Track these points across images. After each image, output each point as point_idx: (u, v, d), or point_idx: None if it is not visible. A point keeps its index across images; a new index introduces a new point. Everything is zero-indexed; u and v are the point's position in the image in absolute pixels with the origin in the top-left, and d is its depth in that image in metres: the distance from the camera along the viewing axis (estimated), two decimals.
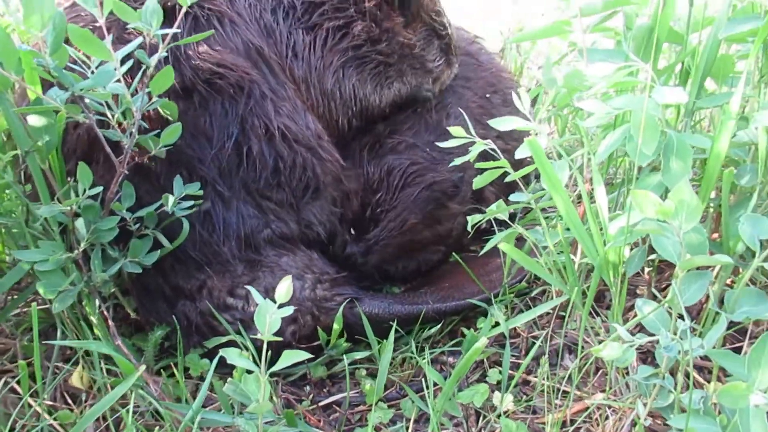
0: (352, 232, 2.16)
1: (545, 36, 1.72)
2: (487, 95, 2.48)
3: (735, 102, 1.36)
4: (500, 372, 1.83)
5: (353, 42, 2.14)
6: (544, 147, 1.55)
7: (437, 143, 2.04)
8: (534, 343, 1.90)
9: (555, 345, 1.88)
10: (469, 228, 1.88)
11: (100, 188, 1.47)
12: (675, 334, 1.24)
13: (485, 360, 1.93)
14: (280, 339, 1.30)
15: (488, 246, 1.88)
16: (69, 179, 1.55)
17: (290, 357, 1.30)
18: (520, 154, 1.56)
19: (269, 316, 1.29)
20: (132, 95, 1.40)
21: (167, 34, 1.36)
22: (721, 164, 1.45)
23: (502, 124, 1.63)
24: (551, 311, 1.92)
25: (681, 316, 1.23)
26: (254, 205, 1.82)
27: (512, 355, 1.93)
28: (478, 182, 1.85)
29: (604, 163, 1.91)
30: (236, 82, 1.77)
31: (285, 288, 1.28)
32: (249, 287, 1.40)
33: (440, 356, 2.01)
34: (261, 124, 1.81)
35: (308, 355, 1.29)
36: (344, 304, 1.93)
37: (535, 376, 1.83)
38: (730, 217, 1.57)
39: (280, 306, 1.28)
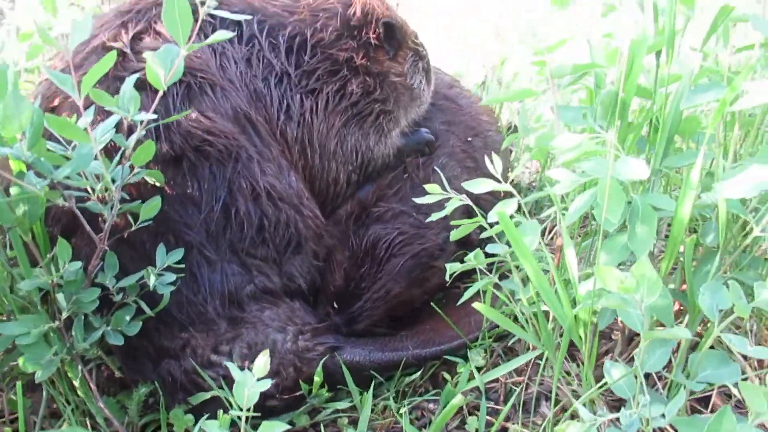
0: (335, 305, 2.18)
1: (518, 98, 1.76)
2: (469, 138, 2.53)
3: (695, 173, 1.41)
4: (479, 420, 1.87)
5: (351, 100, 2.23)
6: (515, 209, 1.60)
7: (425, 206, 2.07)
8: (512, 390, 1.96)
9: (531, 393, 1.92)
10: (447, 278, 1.92)
11: (80, 263, 1.50)
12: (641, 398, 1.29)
13: (464, 407, 1.97)
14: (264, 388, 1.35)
15: (466, 296, 1.93)
16: (53, 249, 1.57)
17: (270, 428, 1.34)
18: (491, 219, 1.60)
19: (248, 390, 1.33)
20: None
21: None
22: (684, 229, 1.50)
23: (476, 186, 1.67)
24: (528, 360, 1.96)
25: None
26: (239, 263, 1.86)
27: (491, 401, 1.98)
28: (455, 235, 1.89)
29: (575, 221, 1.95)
30: (225, 147, 1.83)
31: (263, 362, 1.32)
32: (228, 363, 1.44)
33: (421, 403, 2.04)
34: (248, 185, 1.87)
35: (287, 427, 1.33)
36: (325, 353, 1.97)
37: (514, 423, 1.88)
38: (697, 273, 1.63)
39: (260, 379, 1.32)
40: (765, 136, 1.80)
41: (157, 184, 1.65)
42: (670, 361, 1.61)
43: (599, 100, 1.62)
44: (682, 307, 1.78)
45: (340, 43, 2.23)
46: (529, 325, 1.81)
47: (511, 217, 1.60)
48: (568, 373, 1.85)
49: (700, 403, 1.71)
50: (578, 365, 1.88)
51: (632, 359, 1.75)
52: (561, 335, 1.69)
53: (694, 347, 1.61)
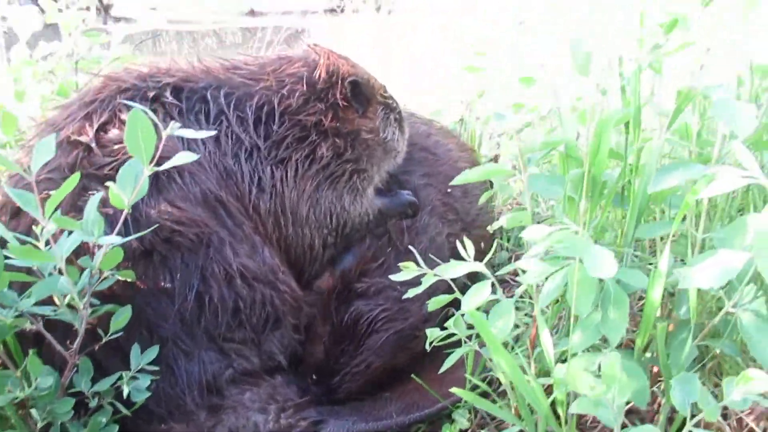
0: (314, 377, 2.15)
1: (491, 176, 1.76)
2: (449, 190, 2.51)
3: (663, 264, 1.42)
4: None
5: (322, 163, 2.21)
6: (487, 295, 1.60)
7: None
8: None
9: None
10: (427, 346, 1.92)
11: (52, 379, 1.49)
12: None
13: None
14: None
15: (447, 364, 1.92)
16: (25, 357, 1.56)
17: None
18: (465, 307, 1.60)
19: None
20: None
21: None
22: (656, 310, 1.51)
23: (449, 271, 1.66)
24: None
25: None
26: (216, 349, 1.85)
27: None
28: (432, 306, 1.88)
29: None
30: (195, 235, 1.82)
31: None
32: None
33: None
34: (220, 269, 1.85)
35: None
36: (309, 429, 1.97)
37: None
38: (672, 342, 1.64)
39: None
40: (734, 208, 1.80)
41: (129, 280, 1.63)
42: None
43: (569, 177, 1.62)
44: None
45: (308, 107, 2.22)
46: (510, 398, 1.81)
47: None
48: None
49: None
50: None
51: None
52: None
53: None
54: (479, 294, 1.60)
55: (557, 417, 1.60)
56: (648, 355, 1.77)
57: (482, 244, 2.64)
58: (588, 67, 1.50)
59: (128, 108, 1.84)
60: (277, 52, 2.43)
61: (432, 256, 2.25)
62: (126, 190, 1.33)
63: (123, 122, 1.88)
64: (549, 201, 2.45)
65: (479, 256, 2.14)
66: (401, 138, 2.54)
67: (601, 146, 1.56)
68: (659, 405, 1.79)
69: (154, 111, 1.91)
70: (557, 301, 1.87)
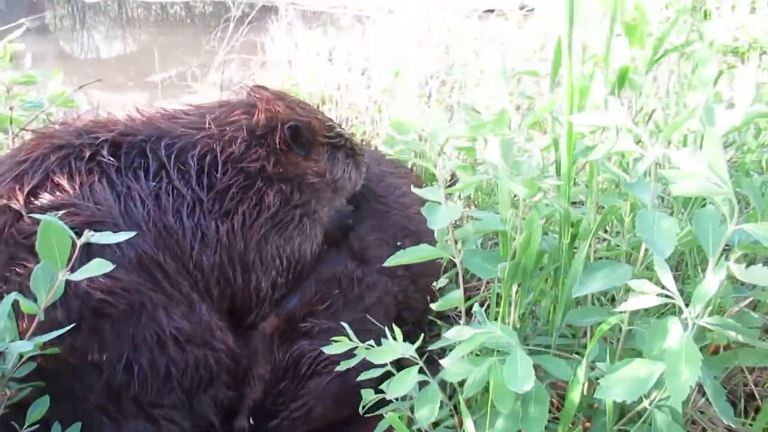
0: (251, 421, 2.11)
1: (421, 260, 1.77)
2: (399, 243, 2.47)
3: (581, 374, 1.45)
4: None
5: (270, 211, 2.18)
6: (414, 382, 1.62)
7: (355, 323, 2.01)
8: None
9: None
10: (360, 410, 1.93)
11: None
12: None
13: None
14: None
15: (379, 429, 1.94)
16: None
17: None
18: (392, 394, 1.62)
19: None
20: None
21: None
22: (574, 410, 1.54)
23: (379, 356, 1.68)
24: None
25: None
26: (145, 417, 1.83)
27: None
28: (362, 377, 1.89)
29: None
30: (127, 303, 1.78)
31: None
32: None
33: None
34: (152, 336, 1.82)
35: None
36: None
37: None
38: (593, 424, 1.68)
39: None
40: None
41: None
42: None
43: (501, 268, 1.64)
44: None
45: (250, 153, 2.17)
46: None
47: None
48: None
49: None
50: None
51: None
52: None
53: None
54: (406, 382, 1.62)
55: None
56: None
57: (429, 296, 2.67)
58: (519, 169, 1.51)
59: (62, 170, 1.82)
60: (218, 100, 2.39)
61: (376, 315, 2.26)
62: (40, 294, 1.30)
63: (56, 185, 1.82)
64: None
65: (425, 306, 2.12)
66: (355, 172, 2.51)
67: (531, 242, 1.58)
68: None
69: (90, 171, 1.87)
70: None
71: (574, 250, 1.71)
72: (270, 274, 2.22)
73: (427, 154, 1.75)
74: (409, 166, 3.34)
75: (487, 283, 2.70)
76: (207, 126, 2.16)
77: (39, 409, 1.53)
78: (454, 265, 1.77)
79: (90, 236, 1.31)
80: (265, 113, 2.25)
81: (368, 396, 1.93)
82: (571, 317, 1.74)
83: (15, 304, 1.39)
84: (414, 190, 1.76)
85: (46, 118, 2.76)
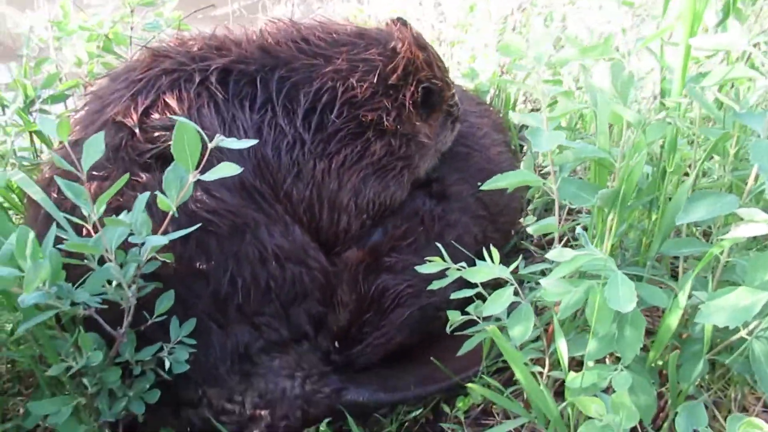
0: (336, 345, 2.23)
1: (519, 184, 1.78)
2: (479, 183, 2.50)
3: (682, 298, 1.47)
4: None
5: (373, 158, 2.19)
6: (510, 300, 1.67)
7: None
8: None
9: None
10: (447, 330, 2.02)
11: (101, 354, 1.63)
12: None
13: None
14: None
15: (465, 348, 2.02)
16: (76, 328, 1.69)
17: None
18: (487, 312, 1.68)
19: None
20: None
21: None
22: (671, 335, 1.57)
23: (474, 274, 1.73)
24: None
25: None
26: (248, 324, 1.97)
27: None
28: (455, 296, 1.96)
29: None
30: (231, 222, 1.89)
31: None
32: None
33: None
34: (255, 252, 1.93)
35: None
36: (331, 395, 2.12)
37: None
38: (684, 354, 1.70)
39: None
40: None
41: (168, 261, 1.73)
42: None
43: (599, 195, 1.64)
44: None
45: (373, 101, 2.15)
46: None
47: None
48: None
49: None
50: None
51: None
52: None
53: None
54: (501, 300, 1.68)
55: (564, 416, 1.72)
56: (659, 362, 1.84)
57: (506, 237, 2.70)
58: (627, 96, 1.49)
59: (172, 91, 1.90)
60: (355, 28, 2.28)
61: (458, 246, 2.31)
62: (171, 194, 1.40)
63: (167, 105, 1.91)
64: None
65: (503, 244, 2.18)
66: (451, 137, 2.52)
67: (635, 170, 1.58)
68: (665, 402, 1.88)
69: (199, 95, 1.95)
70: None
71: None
72: (361, 218, 2.27)
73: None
74: (488, 100, 3.33)
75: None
76: (336, 58, 2.13)
77: (165, 302, 1.66)
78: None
79: (220, 140, 1.38)
80: (404, 64, 2.19)
81: (454, 317, 2.02)
82: (666, 248, 1.75)
83: None
84: (512, 115, 1.76)
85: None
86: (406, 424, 2.25)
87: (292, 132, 2.04)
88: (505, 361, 2.26)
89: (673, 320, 1.53)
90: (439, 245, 1.93)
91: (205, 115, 1.94)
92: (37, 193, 1.37)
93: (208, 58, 2.03)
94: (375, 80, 2.14)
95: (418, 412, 2.24)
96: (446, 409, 2.24)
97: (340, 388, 2.16)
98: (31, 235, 1.25)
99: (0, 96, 2.41)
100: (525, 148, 3.18)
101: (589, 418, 1.43)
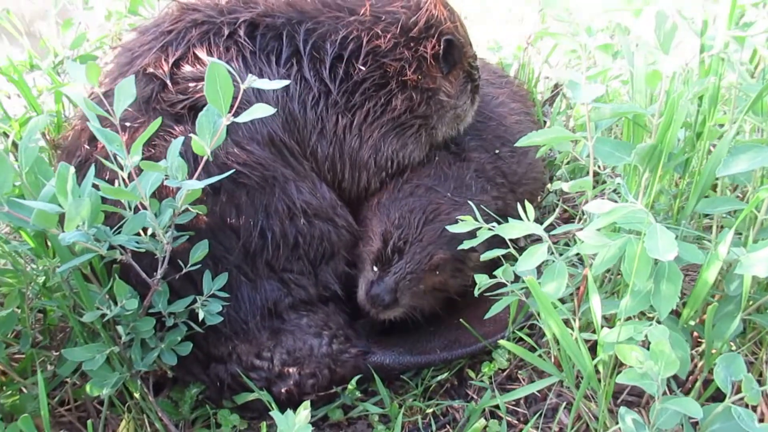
0: (375, 268, 2.18)
1: (552, 144, 1.77)
2: (497, 150, 2.50)
3: (723, 249, 1.45)
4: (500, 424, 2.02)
5: (393, 114, 2.19)
6: (543, 257, 1.66)
7: (457, 190, 2.21)
8: (535, 395, 2.09)
9: (551, 403, 2.05)
10: (476, 292, 2.00)
11: (136, 301, 1.63)
12: None
13: (486, 409, 2.11)
14: None
15: (493, 311, 2.01)
16: (110, 277, 1.70)
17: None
18: (521, 267, 1.66)
19: None
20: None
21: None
22: (708, 290, 1.55)
23: (507, 231, 1.72)
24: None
25: None
26: (277, 279, 1.99)
27: (513, 402, 2.12)
28: (485, 257, 1.95)
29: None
30: (261, 175, 1.90)
31: (304, 416, 1.45)
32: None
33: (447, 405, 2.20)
34: (284, 207, 1.94)
35: None
36: (357, 356, 2.13)
37: (534, 428, 2.02)
38: (718, 312, 1.69)
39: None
40: None
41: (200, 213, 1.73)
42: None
43: (637, 150, 1.63)
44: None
45: (395, 52, 2.15)
46: (552, 349, 1.91)
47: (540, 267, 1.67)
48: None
49: None
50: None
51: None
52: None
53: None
54: (534, 257, 1.67)
55: (596, 373, 1.71)
56: (691, 322, 1.83)
57: (530, 201, 2.67)
58: (670, 45, 1.47)
59: (202, 44, 1.90)
60: None
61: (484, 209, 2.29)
62: (205, 138, 1.39)
63: (197, 58, 1.92)
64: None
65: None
66: (471, 109, 2.50)
67: (674, 123, 1.55)
68: (695, 366, 1.87)
69: (228, 48, 1.95)
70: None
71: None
72: (380, 175, 2.29)
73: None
74: (512, 73, 3.31)
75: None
76: (361, 9, 2.14)
77: (200, 250, 1.67)
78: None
79: (253, 80, 1.37)
80: (427, 17, 2.19)
81: (481, 281, 2.01)
82: (702, 206, 1.73)
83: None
84: (549, 73, 1.74)
85: None
86: (432, 387, 2.26)
87: (317, 85, 2.05)
88: (531, 327, 2.26)
89: (711, 274, 1.51)
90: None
91: (234, 69, 1.93)
92: (82, 102, 1.35)
93: (236, 11, 2.04)
94: (398, 31, 2.14)
95: (443, 377, 2.25)
96: (471, 374, 2.25)
97: (367, 349, 2.16)
98: (72, 170, 1.25)
99: (30, 54, 2.42)
100: (548, 123, 3.16)
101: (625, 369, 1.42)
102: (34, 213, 1.27)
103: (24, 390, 1.95)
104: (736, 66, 1.58)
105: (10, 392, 1.95)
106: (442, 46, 2.21)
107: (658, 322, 1.54)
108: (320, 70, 2.06)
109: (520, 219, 1.79)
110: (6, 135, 2.16)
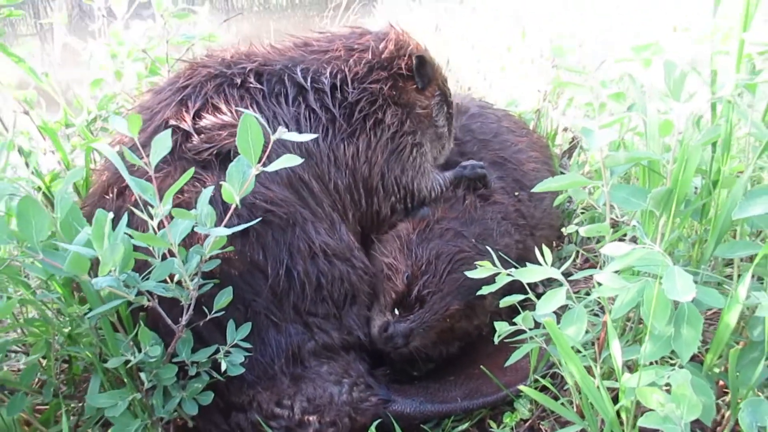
0: (396, 312, 2.27)
1: (568, 188, 1.80)
2: (516, 193, 2.60)
3: (743, 291, 1.46)
4: None
5: (389, 132, 2.36)
6: (562, 301, 1.67)
7: (481, 237, 2.29)
8: None
9: None
10: (495, 340, 2.00)
11: (160, 349, 1.67)
12: None
13: None
14: None
15: (513, 358, 2.01)
16: (134, 325, 1.74)
17: None
18: (540, 311, 1.67)
19: None
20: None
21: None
22: (729, 333, 1.55)
23: (526, 275, 1.73)
24: None
25: None
26: (301, 323, 2.03)
27: None
28: (504, 303, 1.96)
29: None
30: (284, 214, 1.98)
31: None
32: None
33: None
34: (305, 246, 2.02)
35: None
36: (378, 404, 2.12)
37: None
38: (742, 359, 1.67)
39: None
40: None
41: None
42: None
43: (652, 195, 1.65)
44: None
45: (372, 75, 2.36)
46: (574, 397, 1.89)
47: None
48: None
49: None
50: None
51: None
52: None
53: None
54: (554, 300, 1.67)
55: (619, 421, 1.68)
56: (715, 369, 1.81)
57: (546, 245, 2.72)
58: (680, 93, 1.51)
59: (219, 94, 2.02)
60: (349, 26, 2.59)
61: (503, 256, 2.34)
62: (235, 187, 1.45)
63: (216, 108, 2.05)
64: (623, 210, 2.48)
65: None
66: (448, 133, 2.68)
67: (688, 167, 1.59)
68: (722, 416, 1.84)
69: (242, 97, 2.10)
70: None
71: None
72: (390, 200, 2.44)
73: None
74: (531, 127, 3.38)
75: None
76: (335, 49, 2.37)
77: (225, 297, 1.70)
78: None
79: (283, 132, 1.44)
80: (396, 42, 2.43)
81: (502, 328, 2.01)
82: (722, 250, 1.74)
83: None
84: (563, 120, 1.80)
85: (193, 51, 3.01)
86: None
87: (323, 113, 2.23)
88: (553, 376, 2.24)
89: (732, 317, 1.51)
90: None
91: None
92: (113, 156, 1.43)
93: (241, 62, 2.23)
94: (370, 56, 2.38)
95: (463, 427, 2.23)
96: (492, 424, 2.22)
97: (387, 399, 2.15)
98: (109, 216, 1.31)
99: (66, 112, 2.54)
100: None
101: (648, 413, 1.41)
102: (68, 258, 1.33)
103: None
104: (745, 110, 1.63)
105: None
106: (414, 62, 2.43)
107: (681, 368, 1.53)
108: (324, 99, 2.25)
109: (539, 264, 1.81)
110: (39, 189, 2.25)
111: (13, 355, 2.29)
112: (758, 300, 1.57)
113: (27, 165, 2.27)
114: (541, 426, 2.18)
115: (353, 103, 2.29)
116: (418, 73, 2.46)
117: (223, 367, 1.74)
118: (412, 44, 2.49)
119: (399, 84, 2.42)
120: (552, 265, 2.51)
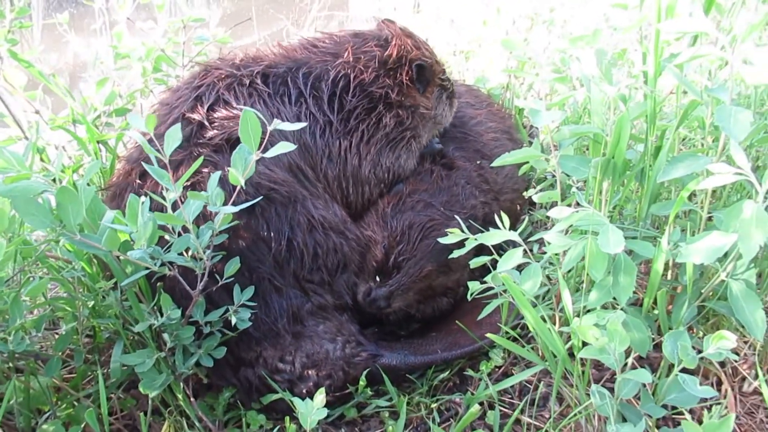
0: (377, 279, 2.58)
1: (523, 160, 2.07)
2: (478, 162, 2.93)
3: (664, 242, 1.74)
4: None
5: (385, 130, 2.64)
6: (519, 259, 1.95)
7: (449, 204, 2.61)
8: (526, 387, 2.36)
9: (540, 392, 2.32)
10: (468, 297, 2.29)
11: (179, 312, 1.95)
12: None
13: (485, 402, 2.38)
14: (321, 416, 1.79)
15: (485, 312, 2.30)
16: (153, 294, 2.02)
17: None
18: (500, 268, 1.96)
19: (309, 417, 1.77)
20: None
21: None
22: (659, 278, 1.84)
23: (489, 238, 2.01)
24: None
25: None
26: (299, 288, 2.32)
27: (508, 394, 2.39)
28: (474, 265, 2.25)
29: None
30: (286, 192, 2.27)
31: (320, 400, 1.73)
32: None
33: (449, 399, 2.47)
34: (305, 220, 2.30)
35: None
36: (368, 359, 2.41)
37: (528, 417, 2.28)
38: (675, 302, 1.97)
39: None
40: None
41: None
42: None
43: (594, 163, 1.93)
44: None
45: (378, 81, 2.62)
46: (538, 342, 2.19)
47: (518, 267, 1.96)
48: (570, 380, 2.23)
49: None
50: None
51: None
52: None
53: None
54: (512, 259, 1.96)
55: (573, 359, 1.98)
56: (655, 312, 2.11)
57: (511, 210, 3.01)
58: (611, 77, 1.79)
59: (229, 92, 2.27)
60: (351, 30, 2.81)
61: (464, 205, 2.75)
62: (239, 170, 1.73)
63: (226, 103, 2.34)
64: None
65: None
66: (449, 112, 2.98)
67: (621, 138, 1.86)
68: None
69: (250, 95, 2.37)
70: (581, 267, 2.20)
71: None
72: (380, 186, 2.73)
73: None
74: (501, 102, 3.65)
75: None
76: (343, 54, 2.62)
77: (233, 266, 1.98)
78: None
79: (277, 123, 1.70)
80: (397, 49, 2.68)
81: (474, 286, 2.30)
82: (654, 209, 2.03)
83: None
84: (517, 102, 2.07)
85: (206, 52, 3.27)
86: (436, 385, 2.53)
87: (321, 117, 2.51)
88: (524, 327, 2.54)
89: (659, 264, 1.80)
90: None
91: (258, 110, 2.30)
92: (144, 143, 1.69)
93: (250, 65, 2.51)
94: (377, 65, 2.64)
95: (445, 375, 2.53)
96: (471, 372, 2.52)
97: (376, 353, 2.45)
98: (141, 199, 1.59)
99: (72, 110, 2.79)
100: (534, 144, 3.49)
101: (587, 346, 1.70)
102: (105, 235, 1.60)
103: (76, 403, 2.25)
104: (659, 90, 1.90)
105: (64, 405, 2.25)
106: (414, 71, 2.69)
107: (623, 311, 1.82)
108: (321, 105, 2.51)
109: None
110: (57, 181, 2.50)
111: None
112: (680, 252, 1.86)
113: (41, 161, 2.53)
114: (513, 371, 2.48)
115: (350, 110, 2.56)
116: (418, 80, 2.74)
117: (233, 321, 2.01)
118: (411, 50, 2.73)
119: (403, 90, 2.69)
120: (525, 230, 2.81)
